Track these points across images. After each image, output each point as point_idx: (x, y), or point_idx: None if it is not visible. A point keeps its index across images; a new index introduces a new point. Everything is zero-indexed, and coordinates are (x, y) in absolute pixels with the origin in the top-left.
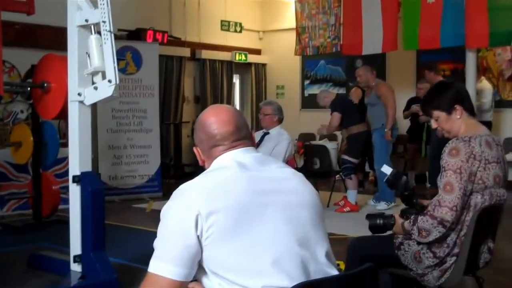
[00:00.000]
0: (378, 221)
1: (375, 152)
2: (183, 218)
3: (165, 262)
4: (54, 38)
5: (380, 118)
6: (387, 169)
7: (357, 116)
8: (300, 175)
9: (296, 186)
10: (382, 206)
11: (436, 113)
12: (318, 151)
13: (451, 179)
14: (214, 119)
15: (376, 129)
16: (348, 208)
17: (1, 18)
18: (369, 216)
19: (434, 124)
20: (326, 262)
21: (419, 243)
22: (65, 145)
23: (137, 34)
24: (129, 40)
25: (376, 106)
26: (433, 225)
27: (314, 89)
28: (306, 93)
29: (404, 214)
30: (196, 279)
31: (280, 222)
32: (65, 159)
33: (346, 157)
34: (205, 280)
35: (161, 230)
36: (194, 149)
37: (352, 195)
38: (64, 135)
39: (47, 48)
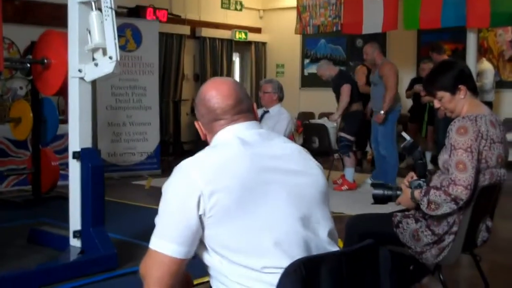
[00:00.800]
0: (384, 191)
1: (379, 134)
2: (185, 198)
3: (165, 240)
4: (54, 15)
5: (381, 99)
6: (406, 136)
7: (356, 94)
8: (305, 151)
9: (300, 163)
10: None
11: (440, 93)
12: (317, 130)
13: (463, 158)
14: (215, 93)
15: (377, 112)
16: (346, 186)
17: None
18: (376, 185)
19: (437, 104)
20: (328, 240)
21: (417, 221)
22: (64, 121)
23: (137, 12)
24: (129, 17)
25: (378, 86)
26: (445, 200)
27: (314, 68)
28: (306, 72)
29: (413, 186)
30: (197, 254)
31: (283, 201)
32: (64, 135)
33: (343, 134)
34: (206, 256)
35: (162, 207)
36: (196, 124)
37: (349, 172)
38: (63, 111)
39: (46, 25)
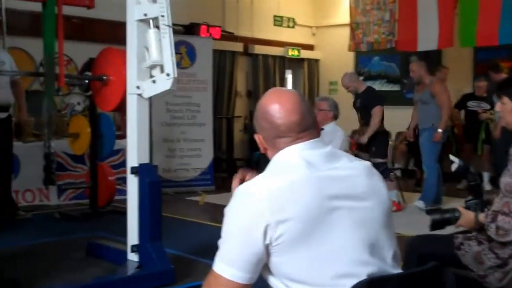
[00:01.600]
0: (441, 215)
1: (423, 152)
2: (250, 227)
3: (229, 264)
4: (110, 32)
5: (430, 117)
6: (454, 158)
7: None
8: (370, 168)
9: (367, 184)
10: (420, 205)
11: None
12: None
13: None
14: (278, 107)
15: (425, 129)
16: (394, 208)
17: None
18: (431, 211)
19: (498, 107)
20: (392, 263)
21: (479, 244)
22: (120, 137)
23: (191, 29)
24: (183, 34)
25: (428, 104)
26: None
27: None
28: None
29: (469, 207)
30: (262, 275)
31: (350, 230)
32: (120, 150)
33: (378, 160)
34: (271, 279)
35: (226, 231)
36: (256, 137)
37: (394, 195)
38: (119, 127)
39: (103, 42)
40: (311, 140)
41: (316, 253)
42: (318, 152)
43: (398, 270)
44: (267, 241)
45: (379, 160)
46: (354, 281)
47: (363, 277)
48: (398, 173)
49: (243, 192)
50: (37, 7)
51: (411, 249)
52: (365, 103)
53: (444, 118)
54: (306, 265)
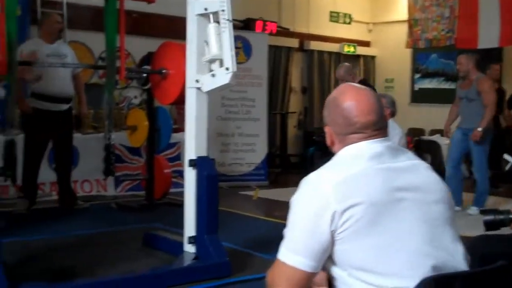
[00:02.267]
0: (494, 216)
1: (473, 156)
2: (317, 214)
3: (294, 252)
4: (168, 27)
5: (477, 116)
6: (508, 157)
7: None
8: (430, 167)
9: (429, 180)
10: (473, 211)
11: None
12: (430, 147)
13: None
14: (355, 105)
15: (471, 130)
16: None
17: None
18: (485, 212)
19: None
20: (461, 261)
21: None
22: (176, 130)
23: (247, 24)
24: (239, 30)
25: (474, 102)
26: None
27: (425, 83)
28: (416, 87)
29: None
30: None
31: (415, 221)
32: (176, 144)
33: None
34: (333, 269)
35: (293, 220)
36: (326, 129)
37: None
38: (175, 120)
39: (160, 37)
40: (381, 138)
41: (381, 241)
42: (384, 146)
43: (466, 267)
44: (333, 228)
45: None
46: (419, 272)
47: (428, 268)
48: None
49: (310, 181)
50: (97, 1)
51: (474, 249)
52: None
53: (486, 117)
54: (372, 253)
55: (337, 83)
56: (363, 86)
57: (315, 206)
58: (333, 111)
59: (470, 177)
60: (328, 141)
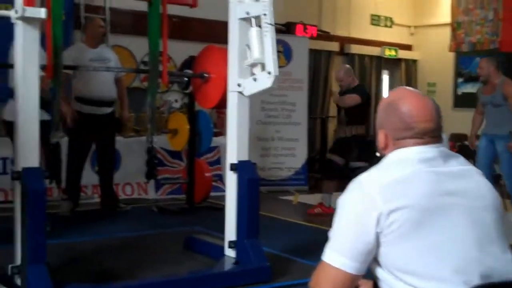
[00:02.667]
0: None
1: (503, 164)
2: (363, 215)
3: (340, 254)
4: (208, 31)
5: (506, 123)
6: None
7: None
8: (480, 173)
9: (479, 186)
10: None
11: None
12: (474, 153)
13: None
14: (416, 110)
15: (501, 137)
16: None
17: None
18: None
19: None
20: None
21: None
22: (216, 134)
23: (287, 28)
24: (279, 33)
25: (501, 107)
26: None
27: (468, 88)
28: (459, 91)
29: None
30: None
31: (464, 226)
32: (216, 147)
33: (358, 164)
34: (379, 271)
35: (339, 222)
36: (380, 132)
37: None
38: (215, 124)
39: (200, 41)
40: (435, 144)
41: (427, 244)
42: (436, 151)
43: None
44: (378, 229)
45: (360, 165)
46: (466, 277)
47: (475, 275)
48: None
49: (357, 183)
50: (139, 6)
51: None
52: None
53: None
54: (418, 256)
55: (378, 88)
56: (423, 95)
57: (361, 208)
58: (391, 114)
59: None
60: (380, 144)
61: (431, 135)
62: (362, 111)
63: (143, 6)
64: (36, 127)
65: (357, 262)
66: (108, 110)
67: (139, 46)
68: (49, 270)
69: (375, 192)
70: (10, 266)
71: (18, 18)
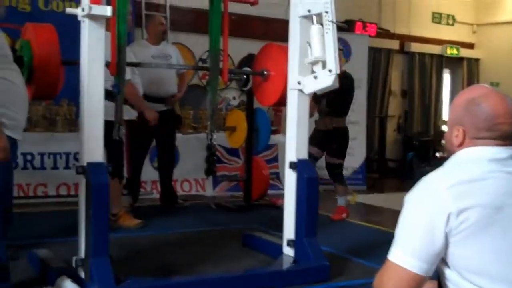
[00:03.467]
0: None
1: None
2: (432, 215)
3: (407, 254)
4: (265, 29)
5: None
6: None
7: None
8: None
9: None
10: None
11: None
12: None
13: None
14: (501, 112)
15: None
16: (344, 214)
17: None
18: None
19: None
20: None
21: None
22: (273, 132)
23: (347, 26)
24: (339, 31)
25: None
26: None
27: None
28: None
29: None
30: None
31: None
32: (273, 145)
33: (335, 160)
34: (446, 271)
35: (405, 220)
36: (455, 129)
37: (342, 200)
38: (272, 122)
39: (258, 38)
40: (509, 146)
41: (497, 245)
42: (508, 152)
43: None
44: (447, 229)
45: (336, 161)
46: None
47: None
48: None
49: (426, 181)
50: (199, 4)
51: None
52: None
53: None
54: (487, 257)
55: (439, 87)
56: (503, 93)
57: (430, 207)
58: (472, 112)
59: None
60: (455, 142)
61: (511, 138)
62: (345, 101)
63: (202, 4)
64: (100, 123)
65: (425, 262)
66: (168, 106)
67: (198, 44)
68: (112, 263)
69: (444, 191)
70: (74, 258)
71: (84, 16)
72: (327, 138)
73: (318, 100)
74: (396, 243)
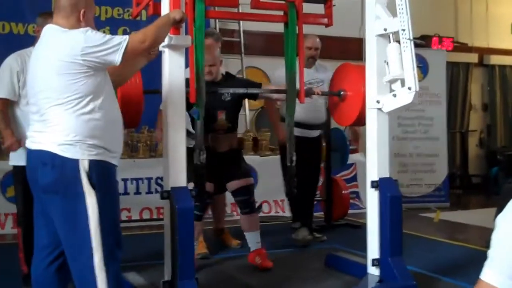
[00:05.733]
0: None
1: None
2: None
3: (500, 273)
4: (339, 48)
5: None
6: None
7: None
8: None
9: None
10: None
11: None
12: None
13: None
14: None
15: None
16: None
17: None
18: None
19: None
20: None
21: None
22: (352, 151)
23: (423, 41)
24: (415, 47)
25: None
26: None
27: None
28: None
29: None
30: None
31: None
32: (352, 164)
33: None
34: None
35: (498, 239)
36: None
37: None
38: (350, 141)
39: (332, 58)
40: None
41: None
42: None
43: None
44: None
45: None
46: None
47: None
48: None
49: None
50: (271, 28)
51: None
52: None
53: None
54: None
55: None
56: None
57: None
58: None
59: None
60: None
61: None
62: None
63: (274, 28)
64: (183, 149)
65: None
66: (316, 133)
67: (271, 66)
68: (198, 285)
69: None
70: (161, 281)
71: (164, 46)
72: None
73: None
74: (488, 262)
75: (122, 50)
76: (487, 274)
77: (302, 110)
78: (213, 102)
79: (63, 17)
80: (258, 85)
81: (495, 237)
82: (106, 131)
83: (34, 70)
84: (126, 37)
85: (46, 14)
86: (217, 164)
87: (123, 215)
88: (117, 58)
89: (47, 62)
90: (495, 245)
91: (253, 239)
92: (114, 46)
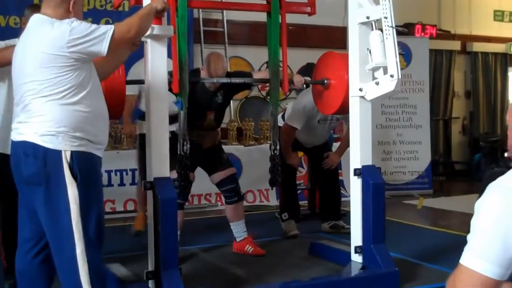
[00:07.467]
0: None
1: None
2: (506, 219)
3: (481, 258)
4: (323, 37)
5: None
6: None
7: None
8: None
9: None
10: None
11: None
12: None
13: None
14: None
15: None
16: None
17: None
18: None
19: None
20: None
21: None
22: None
23: (405, 28)
24: (398, 35)
25: None
26: None
27: None
28: None
29: None
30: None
31: None
32: None
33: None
34: None
35: (477, 224)
36: None
37: None
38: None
39: (315, 47)
40: None
41: None
42: None
43: None
44: None
45: None
46: None
47: None
48: None
49: (498, 185)
50: (255, 17)
51: None
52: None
53: None
54: None
55: (504, 86)
56: None
57: (503, 210)
58: None
59: None
60: None
61: None
62: None
63: (258, 17)
64: (166, 140)
65: (499, 267)
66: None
67: (255, 56)
68: (181, 275)
69: None
70: (145, 271)
71: (147, 36)
72: None
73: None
74: (469, 247)
75: (109, 39)
76: (467, 258)
77: (305, 137)
78: (205, 102)
79: (52, 7)
80: (249, 75)
81: (474, 222)
82: (91, 123)
83: (19, 61)
84: (112, 26)
85: (34, 6)
86: (199, 157)
87: (107, 207)
88: (103, 47)
89: (32, 54)
90: (474, 230)
91: (240, 229)
92: (100, 36)
